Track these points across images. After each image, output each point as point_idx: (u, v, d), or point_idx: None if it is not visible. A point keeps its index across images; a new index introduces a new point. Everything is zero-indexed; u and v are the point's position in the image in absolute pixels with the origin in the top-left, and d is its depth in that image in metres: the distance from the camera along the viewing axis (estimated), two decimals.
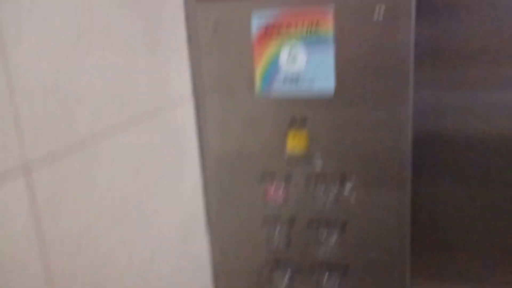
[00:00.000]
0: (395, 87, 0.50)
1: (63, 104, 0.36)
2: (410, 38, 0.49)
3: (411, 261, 0.57)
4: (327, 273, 0.59)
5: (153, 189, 0.48)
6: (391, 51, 0.50)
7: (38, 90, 0.34)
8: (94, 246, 0.40)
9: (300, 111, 0.54)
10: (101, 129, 0.40)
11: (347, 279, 0.59)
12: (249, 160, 0.57)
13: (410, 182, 0.53)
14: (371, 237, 0.56)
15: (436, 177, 0.56)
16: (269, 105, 0.54)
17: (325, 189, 0.56)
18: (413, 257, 0.57)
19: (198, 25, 0.55)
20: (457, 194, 0.56)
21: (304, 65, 0.52)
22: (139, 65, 0.45)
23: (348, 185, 0.55)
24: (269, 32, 0.52)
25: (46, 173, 0.34)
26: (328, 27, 0.50)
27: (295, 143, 0.55)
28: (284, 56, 0.52)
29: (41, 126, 0.34)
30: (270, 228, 0.60)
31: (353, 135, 0.53)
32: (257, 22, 0.52)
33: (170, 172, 0.52)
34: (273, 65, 0.52)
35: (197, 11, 0.54)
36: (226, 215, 0.61)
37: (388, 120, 0.52)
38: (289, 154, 0.56)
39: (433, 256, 0.59)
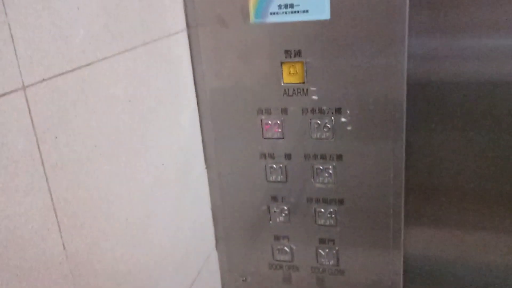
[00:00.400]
0: (390, 24, 0.50)
1: (55, 27, 0.35)
2: None
3: (405, 208, 0.58)
4: (322, 208, 0.61)
5: (149, 120, 0.48)
6: None
7: (30, 12, 0.33)
8: (95, 174, 0.41)
9: (294, 42, 0.53)
10: (95, 56, 0.40)
11: (342, 214, 0.60)
12: (245, 94, 0.57)
13: (404, 127, 0.54)
14: (365, 173, 0.57)
15: (430, 123, 0.56)
16: (264, 36, 0.53)
17: (320, 122, 0.56)
18: (407, 204, 0.58)
19: None
20: (451, 140, 0.56)
21: None
22: None
23: (343, 120, 0.55)
24: None
25: (43, 95, 0.34)
26: None
27: (290, 75, 0.55)
28: None
29: (36, 49, 0.34)
30: (267, 163, 0.60)
31: (348, 69, 0.53)
32: None
33: (166, 105, 0.52)
34: None
35: None
36: (223, 150, 0.61)
37: (383, 61, 0.51)
38: (285, 87, 0.55)
39: (427, 203, 0.60)
